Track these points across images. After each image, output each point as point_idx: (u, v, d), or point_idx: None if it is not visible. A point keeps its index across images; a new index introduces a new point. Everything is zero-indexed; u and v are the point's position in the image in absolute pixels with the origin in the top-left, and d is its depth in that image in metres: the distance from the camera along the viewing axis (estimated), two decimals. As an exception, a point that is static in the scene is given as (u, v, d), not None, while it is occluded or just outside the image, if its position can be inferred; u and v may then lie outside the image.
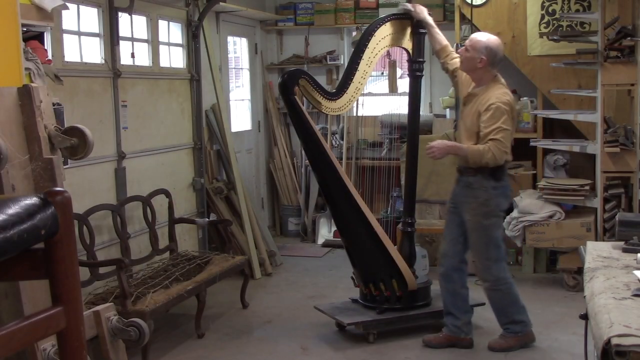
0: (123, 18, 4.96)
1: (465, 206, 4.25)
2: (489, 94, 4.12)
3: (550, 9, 6.05)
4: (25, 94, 3.13)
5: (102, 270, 4.36)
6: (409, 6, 4.53)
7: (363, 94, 4.88)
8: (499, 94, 4.11)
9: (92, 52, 4.77)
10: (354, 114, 7.12)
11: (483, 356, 4.29)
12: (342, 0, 7.41)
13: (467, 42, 4.28)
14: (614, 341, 1.94)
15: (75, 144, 3.30)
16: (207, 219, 5.87)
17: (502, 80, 4.25)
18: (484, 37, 4.23)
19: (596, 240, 5.32)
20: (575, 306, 5.01)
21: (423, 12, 4.53)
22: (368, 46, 4.44)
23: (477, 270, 4.40)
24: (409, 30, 4.55)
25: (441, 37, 4.58)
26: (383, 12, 6.79)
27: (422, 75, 4.67)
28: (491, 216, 4.21)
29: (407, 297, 4.60)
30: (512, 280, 4.33)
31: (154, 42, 5.43)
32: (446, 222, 4.49)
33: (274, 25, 7.69)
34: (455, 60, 4.45)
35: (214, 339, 4.66)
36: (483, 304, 4.72)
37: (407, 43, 4.57)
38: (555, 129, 6.32)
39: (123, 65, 4.96)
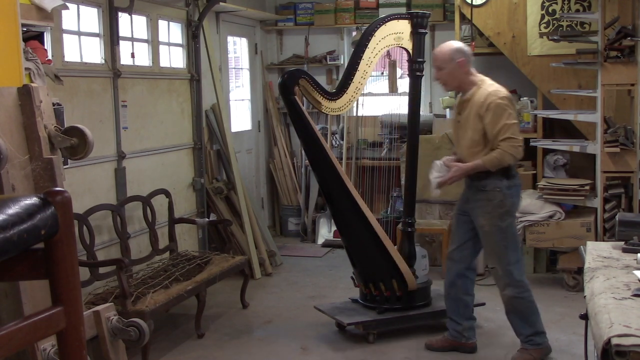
0: (123, 18, 4.96)
1: (478, 210, 4.08)
2: (481, 93, 4.01)
3: (550, 9, 6.05)
4: (25, 94, 3.13)
5: (102, 270, 4.36)
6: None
7: (363, 94, 4.88)
8: (491, 91, 4.00)
9: (92, 52, 4.77)
10: (354, 114, 7.12)
11: (483, 356, 4.29)
12: (342, 0, 7.41)
13: (434, 63, 4.13)
14: (614, 341, 1.94)
15: (75, 144, 3.30)
16: (207, 219, 5.87)
17: (481, 76, 4.12)
18: (444, 48, 4.10)
19: (596, 240, 5.33)
20: (575, 306, 5.01)
21: (459, 171, 4.11)
22: (368, 46, 4.44)
23: (498, 278, 4.12)
24: (409, 30, 4.55)
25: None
26: (383, 12, 6.80)
27: (422, 75, 4.67)
28: (507, 217, 4.05)
29: (407, 297, 4.60)
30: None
31: (154, 42, 5.43)
32: (454, 227, 4.35)
33: (274, 25, 7.69)
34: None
35: (214, 339, 4.66)
36: (483, 304, 4.72)
37: (407, 43, 4.56)
38: (555, 129, 6.32)
39: (123, 65, 4.96)
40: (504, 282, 4.09)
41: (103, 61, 4.81)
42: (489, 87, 4.05)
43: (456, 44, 4.15)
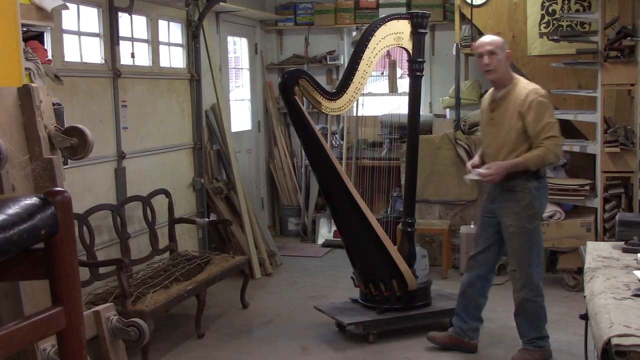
0: (123, 18, 4.96)
1: (506, 211, 4.01)
2: (521, 90, 3.93)
3: (550, 9, 6.05)
4: (25, 94, 3.13)
5: (102, 270, 4.36)
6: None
7: (363, 94, 4.88)
8: (531, 89, 3.93)
9: (92, 52, 4.77)
10: (354, 114, 7.12)
11: (484, 356, 4.29)
12: (342, 0, 7.41)
13: (485, 47, 3.99)
14: (614, 341, 1.94)
15: (75, 144, 3.30)
16: (207, 219, 5.87)
17: (516, 75, 4.08)
18: (494, 36, 4.10)
19: (596, 240, 5.33)
20: (575, 306, 5.01)
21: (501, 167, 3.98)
22: (368, 46, 4.44)
23: (516, 279, 4.06)
24: (409, 30, 4.55)
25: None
26: (383, 12, 6.80)
27: (422, 75, 4.67)
28: (535, 220, 4.00)
29: (407, 297, 4.60)
30: None
31: (154, 42, 5.43)
32: (478, 229, 4.29)
33: (274, 25, 7.69)
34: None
35: (214, 339, 4.66)
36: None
37: (407, 43, 4.56)
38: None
39: (123, 65, 4.96)
40: (521, 284, 4.05)
41: (103, 61, 4.81)
42: (528, 85, 4.01)
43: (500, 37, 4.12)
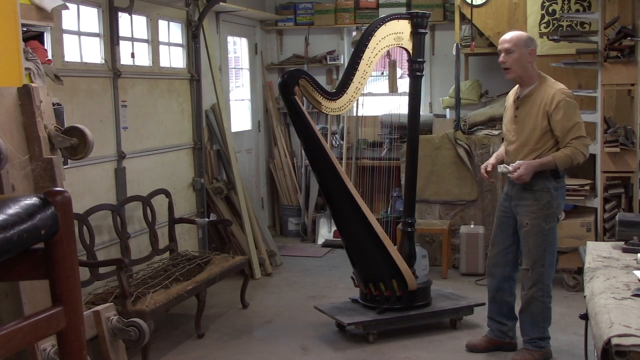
0: (123, 18, 4.96)
1: (523, 209, 3.99)
2: (548, 90, 3.90)
3: (550, 9, 6.05)
4: (25, 94, 3.13)
5: (102, 270, 4.36)
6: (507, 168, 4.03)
7: (363, 94, 4.88)
8: (559, 88, 3.90)
9: (92, 52, 4.77)
10: (354, 114, 7.12)
11: (484, 356, 4.28)
12: (342, 0, 7.41)
13: (504, 45, 3.95)
14: (614, 341, 1.94)
15: (75, 144, 3.30)
16: (207, 219, 5.87)
17: (543, 73, 4.03)
18: (517, 32, 4.01)
19: (596, 240, 5.33)
20: (576, 306, 5.02)
21: (527, 168, 3.92)
22: (368, 46, 4.44)
23: (527, 278, 4.04)
24: (409, 30, 4.55)
25: (500, 155, 4.25)
26: (383, 12, 6.81)
27: (422, 75, 4.66)
28: (552, 220, 3.99)
29: (407, 297, 4.60)
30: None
31: (154, 42, 5.43)
32: (496, 228, 4.25)
33: (274, 25, 7.69)
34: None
35: (214, 339, 4.66)
36: (483, 304, 4.71)
37: (407, 43, 4.56)
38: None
39: (123, 65, 4.96)
40: (531, 282, 4.04)
41: (103, 61, 4.81)
42: (555, 84, 3.96)
43: (526, 33, 4.05)
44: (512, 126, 4.08)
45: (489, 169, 4.23)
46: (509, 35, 4.01)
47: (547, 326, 4.12)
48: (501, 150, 4.31)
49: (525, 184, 3.95)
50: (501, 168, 4.06)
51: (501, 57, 3.99)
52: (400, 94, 6.43)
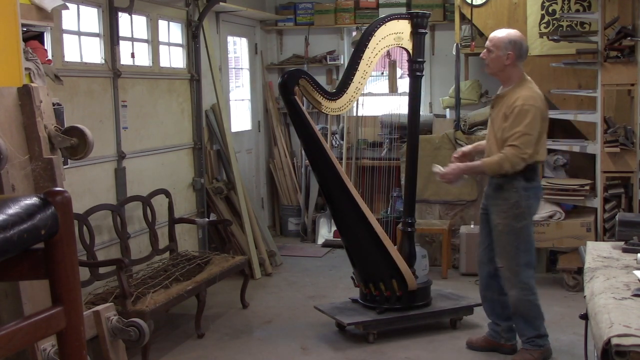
0: (123, 18, 4.96)
1: (494, 208, 4.05)
2: (516, 94, 3.90)
3: (550, 9, 6.05)
4: (25, 94, 3.13)
5: (102, 270, 4.36)
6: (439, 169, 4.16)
7: (363, 94, 4.88)
8: (527, 94, 3.88)
9: (92, 52, 4.77)
10: (354, 114, 7.12)
11: (484, 356, 4.28)
12: (342, 0, 7.41)
13: (487, 43, 4.04)
14: (614, 341, 1.94)
15: (75, 144, 3.30)
16: (207, 219, 5.87)
17: (527, 77, 4.03)
18: (503, 33, 4.02)
19: (596, 240, 5.33)
20: (575, 306, 5.01)
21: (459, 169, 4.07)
22: (368, 46, 4.44)
23: (506, 279, 4.09)
24: (409, 30, 4.55)
25: (481, 146, 4.30)
26: (383, 12, 6.80)
27: (422, 75, 4.66)
28: (522, 219, 3.98)
29: (407, 297, 4.60)
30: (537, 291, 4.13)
31: (154, 42, 5.43)
32: (480, 228, 4.31)
33: (274, 25, 7.69)
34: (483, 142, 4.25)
35: (214, 339, 4.66)
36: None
37: (407, 43, 4.56)
38: (555, 129, 6.31)
39: (123, 65, 4.96)
40: (510, 283, 4.07)
41: (103, 61, 4.81)
42: (527, 90, 3.94)
43: (514, 35, 4.01)
44: (488, 125, 4.17)
45: (456, 155, 4.24)
46: (493, 35, 4.07)
47: (541, 322, 4.11)
48: (483, 142, 4.33)
49: (497, 184, 4.01)
50: (434, 168, 4.17)
51: (482, 53, 4.09)
52: (400, 94, 6.43)
